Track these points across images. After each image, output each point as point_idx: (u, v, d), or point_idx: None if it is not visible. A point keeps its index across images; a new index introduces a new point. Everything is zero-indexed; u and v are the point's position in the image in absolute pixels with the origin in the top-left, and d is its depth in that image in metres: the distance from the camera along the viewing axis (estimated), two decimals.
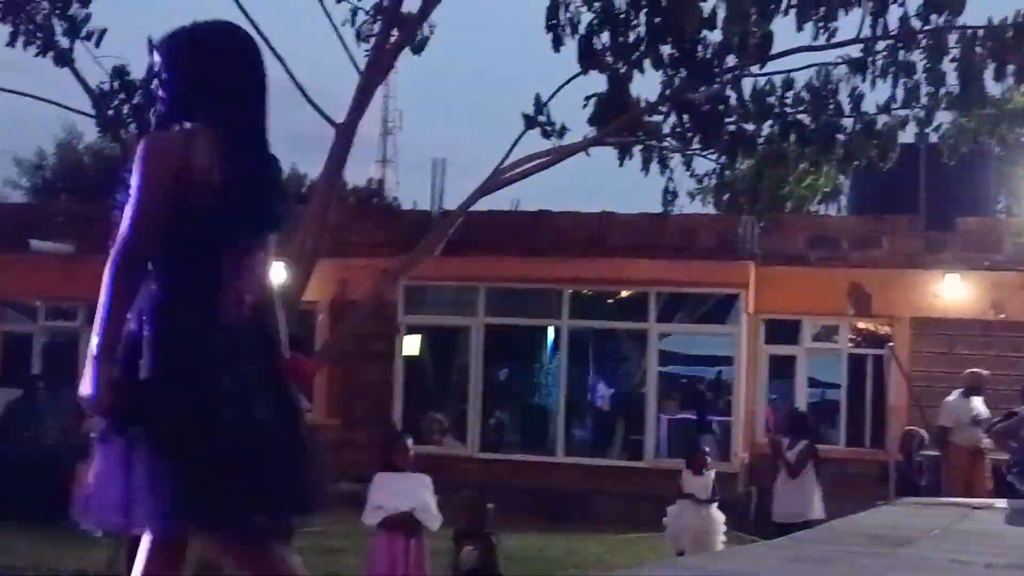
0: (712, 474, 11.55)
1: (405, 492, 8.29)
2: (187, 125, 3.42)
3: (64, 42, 10.04)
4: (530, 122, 9.81)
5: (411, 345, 18.52)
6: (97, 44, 10.00)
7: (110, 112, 10.42)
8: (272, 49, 9.48)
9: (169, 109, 3.50)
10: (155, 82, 3.57)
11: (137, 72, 10.50)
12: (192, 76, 3.48)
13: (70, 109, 10.78)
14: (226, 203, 3.32)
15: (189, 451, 3.14)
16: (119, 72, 10.46)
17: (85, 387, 3.26)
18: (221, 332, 3.26)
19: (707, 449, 12.59)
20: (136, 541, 3.46)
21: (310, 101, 9.29)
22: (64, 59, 9.99)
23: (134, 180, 3.34)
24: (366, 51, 9.77)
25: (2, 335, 19.03)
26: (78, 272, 18.04)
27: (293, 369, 3.45)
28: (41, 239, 18.29)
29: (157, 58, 3.55)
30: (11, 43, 10.21)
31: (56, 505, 12.79)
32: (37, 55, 10.11)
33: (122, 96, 10.49)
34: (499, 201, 26.04)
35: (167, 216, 3.31)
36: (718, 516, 11.32)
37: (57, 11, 10.02)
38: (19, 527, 12.20)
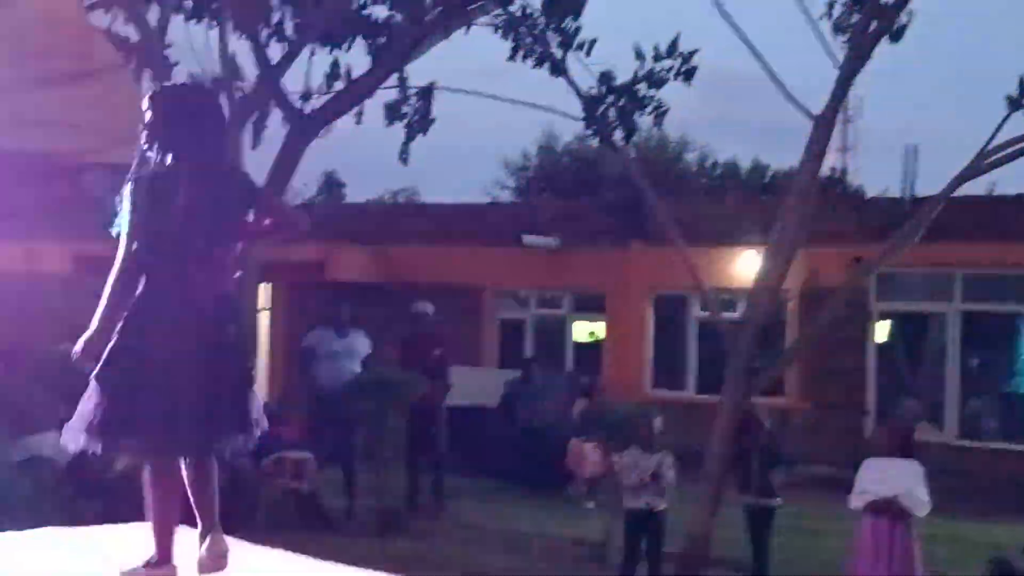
0: None
1: (893, 477, 8.05)
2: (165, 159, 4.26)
3: (558, 53, 10.56)
4: (1014, 104, 9.25)
5: (882, 331, 17.96)
6: (588, 54, 10.43)
7: (598, 115, 10.82)
8: (750, 46, 9.53)
9: (148, 146, 4.33)
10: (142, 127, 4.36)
11: (622, 77, 10.86)
12: (164, 122, 4.31)
13: (561, 114, 11.29)
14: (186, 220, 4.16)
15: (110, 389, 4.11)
16: (606, 78, 10.85)
17: (77, 345, 4.21)
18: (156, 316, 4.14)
19: None
20: None
21: (788, 95, 9.20)
22: (558, 69, 10.48)
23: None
24: (843, 42, 9.58)
25: (499, 322, 20.19)
26: (564, 263, 19.08)
27: None
28: (531, 234, 19.26)
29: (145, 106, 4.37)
30: (512, 57, 10.87)
31: (553, 477, 13.57)
32: (534, 67, 10.69)
33: (609, 100, 10.87)
34: (972, 185, 24.57)
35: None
36: None
37: (552, 25, 10.55)
38: (522, 496, 12.95)
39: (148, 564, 4.28)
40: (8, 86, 6.07)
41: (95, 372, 4.15)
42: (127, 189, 4.21)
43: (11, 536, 5.20)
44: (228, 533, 5.03)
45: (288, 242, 4.78)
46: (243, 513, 9.88)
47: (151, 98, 4.40)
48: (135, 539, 4.91)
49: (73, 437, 4.12)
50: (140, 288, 4.17)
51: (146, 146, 4.32)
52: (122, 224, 4.19)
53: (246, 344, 4.67)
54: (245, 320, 4.55)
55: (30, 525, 5.70)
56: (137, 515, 5.32)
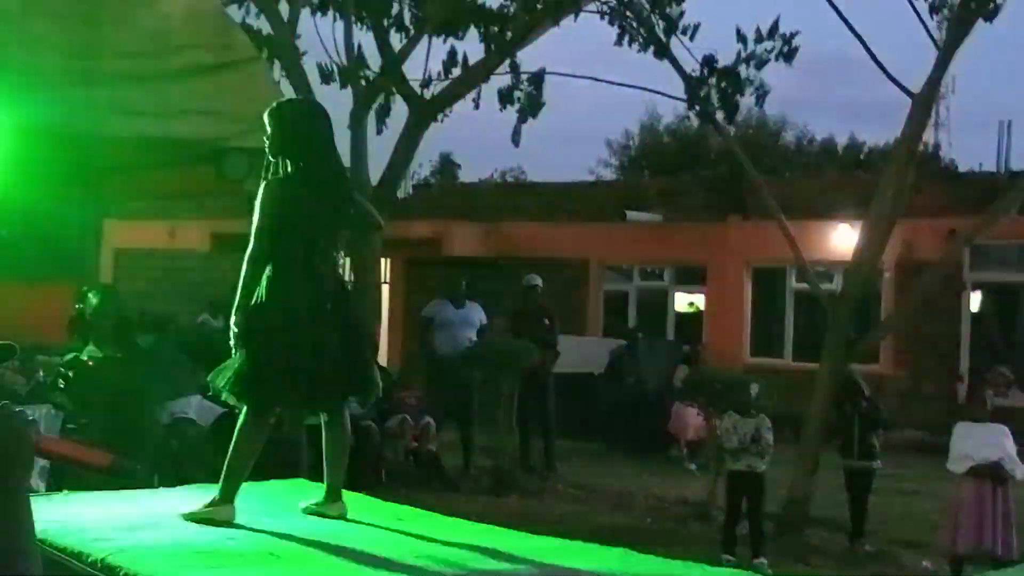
0: None
1: (990, 443, 7.85)
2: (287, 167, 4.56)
3: (663, 38, 10.44)
4: None
5: (975, 302, 17.50)
6: (691, 38, 10.31)
7: (701, 96, 10.70)
8: (850, 27, 9.31)
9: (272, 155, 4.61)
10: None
11: (724, 60, 10.71)
12: (283, 135, 4.60)
13: (664, 95, 11.20)
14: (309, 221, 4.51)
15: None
16: (708, 61, 10.70)
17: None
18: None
19: None
20: None
21: (888, 75, 8.98)
22: (663, 52, 10.37)
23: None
24: (939, 22, 9.31)
25: (604, 294, 20.14)
26: (666, 238, 18.94)
27: None
28: (634, 210, 19.16)
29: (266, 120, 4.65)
30: (618, 42, 10.78)
31: (657, 440, 13.52)
32: (640, 51, 10.59)
33: (711, 82, 10.73)
34: None
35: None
36: None
37: (656, 11, 10.44)
38: (627, 458, 12.93)
39: (211, 504, 4.44)
40: (154, 77, 6.18)
41: (235, 343, 4.46)
42: (260, 190, 4.55)
43: (162, 492, 5.35)
44: (355, 489, 5.11)
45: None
46: (368, 471, 10.04)
47: (270, 113, 4.67)
48: (273, 493, 5.02)
49: (217, 396, 4.48)
50: (268, 274, 4.46)
51: (270, 155, 4.62)
52: (254, 219, 4.51)
53: (368, 323, 4.91)
54: (365, 301, 4.73)
55: (178, 482, 5.86)
56: (276, 472, 5.43)
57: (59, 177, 7.31)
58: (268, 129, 4.64)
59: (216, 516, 4.38)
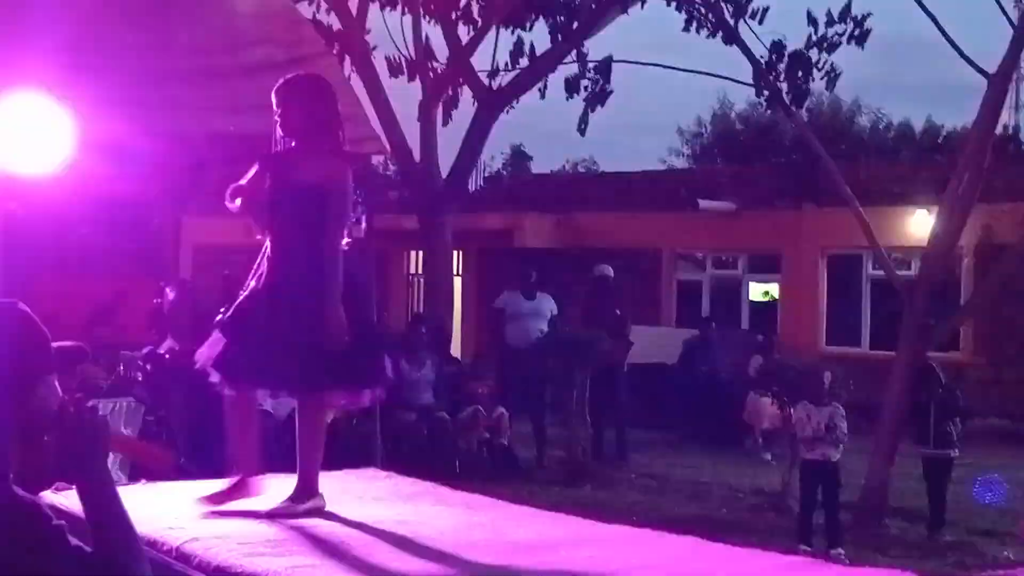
0: None
1: None
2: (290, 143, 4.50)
3: (731, 23, 10.34)
4: None
5: None
6: (760, 22, 10.19)
7: (771, 81, 10.57)
8: (924, 8, 9.13)
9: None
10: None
11: (795, 44, 10.58)
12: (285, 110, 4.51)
13: (732, 80, 11.08)
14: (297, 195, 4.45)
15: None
16: (777, 45, 10.58)
17: None
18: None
19: None
20: None
21: (963, 55, 8.79)
22: (732, 38, 10.27)
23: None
24: (1017, 2, 9.10)
25: (677, 283, 20.01)
26: (739, 226, 18.75)
27: None
28: (706, 199, 19.00)
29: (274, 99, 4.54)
30: (686, 28, 10.70)
31: (731, 430, 13.41)
32: (708, 36, 10.50)
33: (780, 67, 10.60)
34: None
35: None
36: None
37: None
38: (701, 449, 12.83)
39: (231, 486, 4.49)
40: (226, 73, 6.26)
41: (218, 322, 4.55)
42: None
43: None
44: (429, 479, 5.14)
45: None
46: (442, 461, 10.09)
47: (276, 92, 4.57)
48: (346, 482, 5.07)
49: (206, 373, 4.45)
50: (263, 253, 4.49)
51: (280, 132, 4.55)
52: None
53: (368, 312, 4.74)
54: (362, 279, 4.64)
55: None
56: (350, 463, 5.48)
57: (136, 175, 7.46)
58: (276, 108, 4.54)
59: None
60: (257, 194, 4.47)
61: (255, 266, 4.53)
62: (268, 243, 4.51)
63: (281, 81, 4.60)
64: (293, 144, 4.54)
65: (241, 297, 4.51)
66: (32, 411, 2.08)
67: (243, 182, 4.54)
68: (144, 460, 4.15)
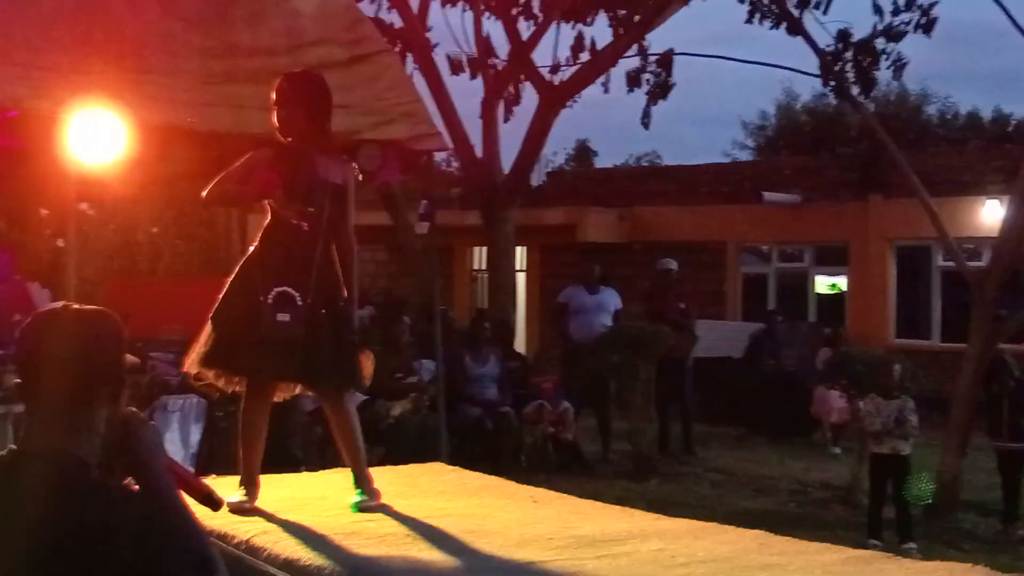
0: None
1: None
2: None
3: (795, 13, 10.24)
4: None
5: None
6: (824, 11, 10.08)
7: (836, 71, 10.45)
8: None
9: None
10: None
11: (860, 33, 10.44)
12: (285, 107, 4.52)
13: (797, 71, 10.97)
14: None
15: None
16: (843, 35, 10.45)
17: None
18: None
19: None
20: None
21: None
22: (796, 28, 10.17)
23: None
24: None
25: (742, 276, 19.86)
26: (804, 218, 18.56)
27: None
28: (771, 191, 18.83)
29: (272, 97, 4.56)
30: (749, 20, 10.61)
31: (799, 424, 13.28)
32: (772, 27, 10.40)
33: (846, 56, 10.47)
34: None
35: None
36: None
37: None
38: (769, 443, 12.73)
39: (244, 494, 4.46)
40: None
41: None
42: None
43: (305, 475, 5.51)
44: (494, 473, 5.15)
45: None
46: (508, 456, 10.12)
47: (276, 88, 4.55)
48: (412, 476, 5.11)
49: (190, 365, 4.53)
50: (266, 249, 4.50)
51: (278, 128, 4.54)
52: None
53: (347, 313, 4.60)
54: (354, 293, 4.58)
55: (321, 466, 6.03)
56: (416, 457, 5.52)
57: (202, 175, 7.55)
58: (278, 105, 4.54)
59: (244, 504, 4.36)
60: (289, 186, 4.43)
61: (255, 262, 4.48)
62: (274, 235, 4.48)
63: (282, 78, 4.62)
64: (290, 140, 4.53)
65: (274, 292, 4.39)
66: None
67: (263, 172, 4.49)
68: (183, 488, 4.20)
